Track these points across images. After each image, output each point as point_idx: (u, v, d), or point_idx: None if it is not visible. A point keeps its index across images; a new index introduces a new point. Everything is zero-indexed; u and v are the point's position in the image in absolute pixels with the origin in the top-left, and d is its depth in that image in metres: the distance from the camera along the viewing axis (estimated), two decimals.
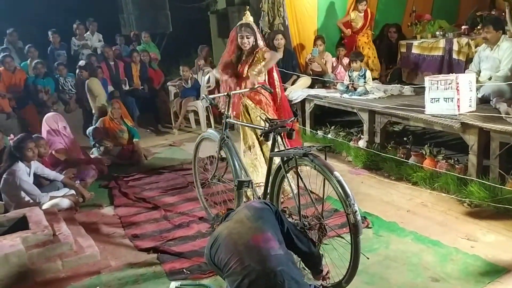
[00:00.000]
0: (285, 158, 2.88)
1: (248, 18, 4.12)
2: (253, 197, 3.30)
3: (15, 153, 4.23)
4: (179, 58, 10.60)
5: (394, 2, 7.48)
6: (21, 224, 3.59)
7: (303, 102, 6.29)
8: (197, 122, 7.61)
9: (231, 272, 2.20)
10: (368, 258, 2.79)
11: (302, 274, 2.40)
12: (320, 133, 6.04)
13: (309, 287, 2.30)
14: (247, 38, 4.00)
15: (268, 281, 2.12)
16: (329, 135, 5.87)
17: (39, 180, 4.50)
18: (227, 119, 3.61)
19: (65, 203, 4.33)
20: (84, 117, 7.54)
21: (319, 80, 6.45)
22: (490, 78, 4.83)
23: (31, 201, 4.19)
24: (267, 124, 3.10)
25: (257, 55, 4.04)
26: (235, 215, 2.45)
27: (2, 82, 6.97)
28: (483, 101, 4.69)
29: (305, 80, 6.43)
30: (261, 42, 4.12)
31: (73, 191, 4.57)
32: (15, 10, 10.16)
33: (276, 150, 3.06)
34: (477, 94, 4.58)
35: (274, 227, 2.37)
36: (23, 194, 4.18)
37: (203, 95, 3.90)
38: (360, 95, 5.64)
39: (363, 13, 6.84)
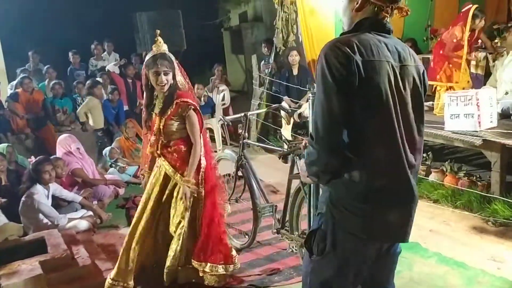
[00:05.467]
0: None
1: (161, 46, 2.93)
2: (274, 221, 3.25)
3: (33, 176, 4.26)
4: (193, 76, 10.68)
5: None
6: (40, 246, 3.59)
7: None
8: (212, 139, 7.60)
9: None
10: None
11: None
12: None
13: None
14: (165, 74, 2.86)
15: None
16: None
17: (57, 202, 4.51)
18: (245, 140, 3.57)
19: (83, 224, 4.33)
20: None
21: None
22: (507, 93, 4.74)
23: (50, 223, 4.21)
24: (286, 146, 3.07)
25: (180, 109, 2.91)
26: None
27: (21, 103, 7.06)
28: (503, 116, 4.59)
29: None
30: (180, 78, 2.98)
31: (90, 213, 4.58)
32: (33, 31, 10.36)
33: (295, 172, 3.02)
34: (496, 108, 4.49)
35: None
36: (41, 216, 4.20)
37: (220, 117, 3.87)
38: None
39: None
